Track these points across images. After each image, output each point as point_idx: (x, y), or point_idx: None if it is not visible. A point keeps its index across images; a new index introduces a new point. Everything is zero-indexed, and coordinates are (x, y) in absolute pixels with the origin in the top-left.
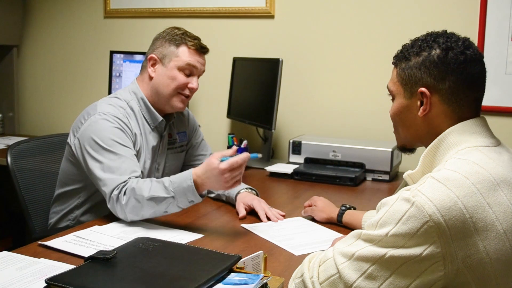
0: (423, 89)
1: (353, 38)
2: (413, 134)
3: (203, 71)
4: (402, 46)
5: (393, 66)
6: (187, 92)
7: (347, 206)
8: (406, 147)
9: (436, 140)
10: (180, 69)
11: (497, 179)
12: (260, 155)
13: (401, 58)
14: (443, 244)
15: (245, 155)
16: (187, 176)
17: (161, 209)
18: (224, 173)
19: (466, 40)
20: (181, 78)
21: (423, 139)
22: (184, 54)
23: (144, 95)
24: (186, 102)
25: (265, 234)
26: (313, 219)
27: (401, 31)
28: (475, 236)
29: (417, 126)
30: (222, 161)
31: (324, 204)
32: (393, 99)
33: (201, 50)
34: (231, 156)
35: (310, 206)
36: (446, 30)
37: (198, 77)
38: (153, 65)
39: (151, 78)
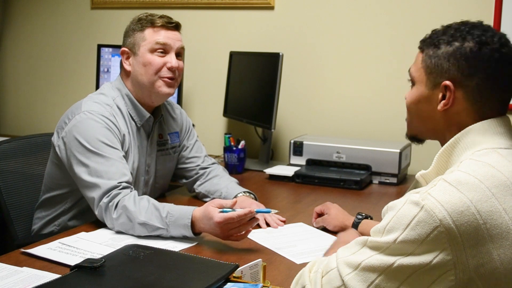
0: (448, 82)
1: (359, 30)
2: (429, 128)
3: (181, 47)
4: (432, 31)
5: (418, 50)
6: (168, 73)
7: (363, 214)
8: (416, 137)
9: (453, 139)
10: (152, 50)
11: None
12: (273, 211)
13: (429, 44)
14: (454, 251)
15: (245, 211)
16: (186, 214)
17: (152, 234)
18: (219, 225)
19: (502, 36)
20: (156, 60)
21: (439, 134)
22: (151, 35)
23: (128, 91)
24: (172, 85)
25: (264, 241)
26: (324, 228)
27: (410, 21)
28: (489, 243)
29: (434, 120)
30: (222, 211)
31: (337, 211)
32: (412, 85)
33: (169, 25)
34: (231, 208)
35: (321, 212)
36: (482, 22)
37: (179, 55)
38: (127, 58)
39: (129, 72)
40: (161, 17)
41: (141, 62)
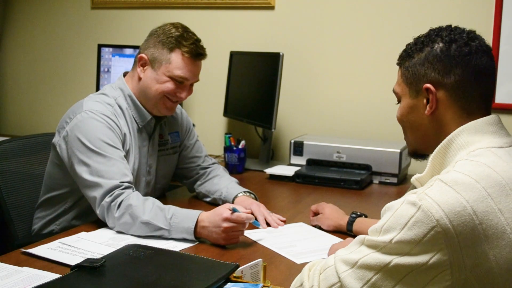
0: (427, 85)
1: (359, 30)
2: (422, 136)
3: (197, 81)
4: (406, 46)
5: (398, 67)
6: (174, 98)
7: (358, 213)
8: (417, 152)
9: (445, 140)
10: (171, 77)
11: (509, 183)
12: (261, 227)
13: (404, 57)
14: (450, 251)
15: (249, 216)
16: (192, 217)
17: (152, 234)
18: (226, 221)
19: (470, 32)
20: (170, 85)
21: (433, 141)
22: (177, 62)
23: (132, 92)
24: (173, 107)
25: (264, 241)
26: (320, 227)
27: (410, 22)
28: (485, 244)
29: (425, 127)
30: (233, 210)
31: (331, 211)
32: (399, 102)
33: (197, 57)
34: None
35: (316, 212)
36: (450, 25)
37: (192, 85)
38: (142, 65)
39: (139, 78)
40: (192, 43)
41: (156, 79)
